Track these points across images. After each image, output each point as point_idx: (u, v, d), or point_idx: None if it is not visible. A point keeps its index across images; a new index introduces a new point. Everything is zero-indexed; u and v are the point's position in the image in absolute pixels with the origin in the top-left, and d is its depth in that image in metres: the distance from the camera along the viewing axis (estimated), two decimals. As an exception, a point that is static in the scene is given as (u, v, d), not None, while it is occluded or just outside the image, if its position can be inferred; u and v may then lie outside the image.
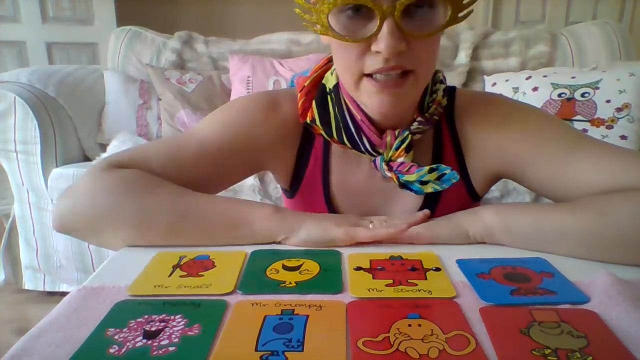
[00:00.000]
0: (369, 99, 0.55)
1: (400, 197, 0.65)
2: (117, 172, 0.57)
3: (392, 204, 0.66)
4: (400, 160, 0.59)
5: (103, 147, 1.79)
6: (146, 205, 0.54)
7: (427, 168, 0.57)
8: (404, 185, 0.59)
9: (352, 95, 0.59)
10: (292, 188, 0.70)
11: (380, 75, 0.52)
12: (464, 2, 0.51)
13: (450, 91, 0.67)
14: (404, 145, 0.59)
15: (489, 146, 0.63)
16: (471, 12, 0.52)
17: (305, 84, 0.64)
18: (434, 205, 0.65)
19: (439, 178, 0.57)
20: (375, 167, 0.61)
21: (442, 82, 0.64)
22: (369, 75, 0.53)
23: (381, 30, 0.49)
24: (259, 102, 0.66)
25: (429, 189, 0.58)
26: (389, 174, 0.59)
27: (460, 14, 0.52)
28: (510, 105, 0.65)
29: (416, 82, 0.55)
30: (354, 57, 0.52)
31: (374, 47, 0.50)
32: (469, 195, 0.67)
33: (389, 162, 0.60)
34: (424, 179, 0.57)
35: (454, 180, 0.57)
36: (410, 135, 0.59)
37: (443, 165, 0.58)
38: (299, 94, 0.64)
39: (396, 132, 0.59)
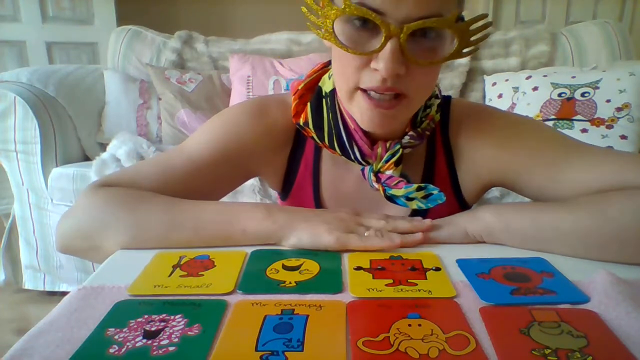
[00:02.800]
0: (360, 114, 0.55)
1: (389, 203, 0.65)
2: (108, 189, 0.58)
3: (381, 209, 0.66)
4: (388, 173, 0.59)
5: (103, 146, 1.79)
6: (140, 215, 0.54)
7: (415, 186, 0.57)
8: (390, 198, 0.59)
9: (344, 104, 0.59)
10: (284, 191, 0.70)
11: (374, 93, 0.52)
12: (471, 39, 0.51)
13: (446, 101, 0.67)
14: (394, 159, 0.59)
15: (482, 156, 0.63)
16: (477, 49, 0.52)
17: (300, 87, 0.64)
18: (423, 213, 0.65)
19: (425, 197, 0.57)
20: (364, 176, 0.61)
21: (437, 97, 0.64)
22: (364, 90, 0.53)
23: (384, 49, 0.48)
24: (246, 110, 0.65)
25: (413, 205, 0.58)
26: (376, 185, 0.59)
27: (465, 50, 0.51)
28: (502, 116, 0.65)
29: (408, 106, 0.54)
30: (352, 69, 0.52)
31: (373, 65, 0.50)
32: (459, 205, 0.67)
33: (377, 173, 0.60)
34: (411, 195, 0.57)
35: (440, 202, 0.57)
36: (401, 149, 0.59)
37: (431, 186, 0.57)
38: (292, 97, 0.64)
39: (387, 144, 0.59)
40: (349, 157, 0.61)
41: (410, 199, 0.58)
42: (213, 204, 0.57)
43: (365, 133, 0.60)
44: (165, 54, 2.09)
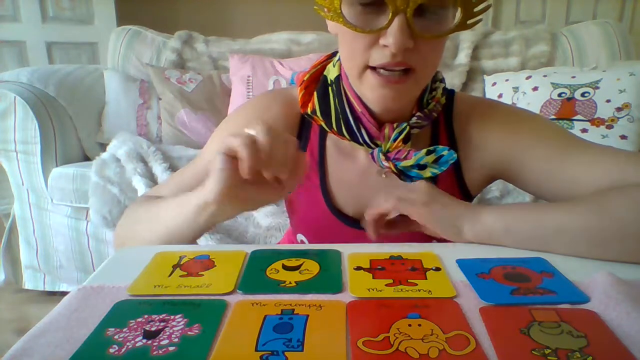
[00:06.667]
0: (371, 92, 0.56)
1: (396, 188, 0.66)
2: (134, 202, 0.68)
3: None
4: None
5: (103, 146, 1.79)
6: (135, 218, 0.64)
7: (424, 150, 0.58)
8: (402, 173, 0.60)
9: (354, 86, 0.60)
10: None
11: (383, 70, 0.54)
12: (475, 10, 0.52)
13: (449, 94, 0.68)
14: (401, 137, 0.60)
15: (487, 148, 0.64)
16: (480, 20, 0.53)
17: (305, 79, 0.65)
18: None
19: (436, 161, 0.58)
20: (373, 158, 0.62)
21: (442, 81, 0.65)
22: (373, 68, 0.54)
23: (391, 25, 0.50)
24: (245, 113, 0.68)
25: (427, 173, 0.58)
26: (386, 164, 0.60)
27: (470, 21, 0.53)
28: (508, 110, 0.67)
29: (417, 81, 0.56)
30: (361, 48, 0.53)
31: (382, 41, 0.51)
32: (462, 195, 0.68)
33: (386, 153, 0.60)
34: (422, 161, 0.58)
35: (452, 161, 0.58)
36: (408, 127, 0.60)
37: (440, 146, 0.58)
38: (298, 88, 0.65)
39: (394, 125, 0.60)
40: (357, 141, 0.62)
41: (422, 167, 0.58)
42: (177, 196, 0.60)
43: (372, 115, 0.61)
44: (165, 54, 2.09)
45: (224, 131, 0.68)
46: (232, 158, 0.47)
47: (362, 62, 0.54)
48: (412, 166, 0.58)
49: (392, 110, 0.60)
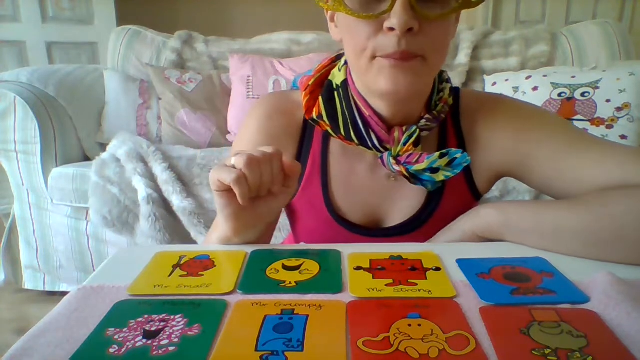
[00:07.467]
0: (382, 77, 0.54)
1: (402, 194, 0.65)
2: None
3: (393, 201, 0.66)
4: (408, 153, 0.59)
5: (103, 147, 1.79)
6: None
7: (437, 154, 0.57)
8: (414, 177, 0.59)
9: (363, 82, 0.59)
10: None
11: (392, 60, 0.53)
12: None
13: (455, 91, 0.67)
14: (411, 140, 0.59)
15: (495, 144, 0.64)
16: (483, 0, 0.53)
17: (310, 83, 0.65)
18: (436, 202, 0.65)
19: (449, 164, 0.57)
20: (383, 163, 0.61)
21: (448, 81, 0.65)
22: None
23: (394, 7, 0.49)
24: (253, 130, 0.67)
25: (440, 177, 0.58)
26: (397, 168, 0.59)
27: None
28: (515, 104, 0.66)
29: (427, 66, 0.54)
30: (366, 37, 0.52)
31: (386, 24, 0.51)
32: (471, 194, 0.67)
33: (396, 157, 0.60)
34: (435, 165, 0.57)
35: (465, 164, 0.57)
36: (418, 130, 0.59)
37: (453, 149, 0.58)
38: (302, 93, 0.64)
39: (404, 129, 0.60)
40: (366, 145, 0.61)
41: (434, 171, 0.58)
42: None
43: (381, 119, 0.60)
44: (165, 54, 2.09)
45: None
46: (227, 192, 0.51)
47: (368, 53, 0.53)
48: (425, 169, 0.58)
49: (404, 98, 0.57)
